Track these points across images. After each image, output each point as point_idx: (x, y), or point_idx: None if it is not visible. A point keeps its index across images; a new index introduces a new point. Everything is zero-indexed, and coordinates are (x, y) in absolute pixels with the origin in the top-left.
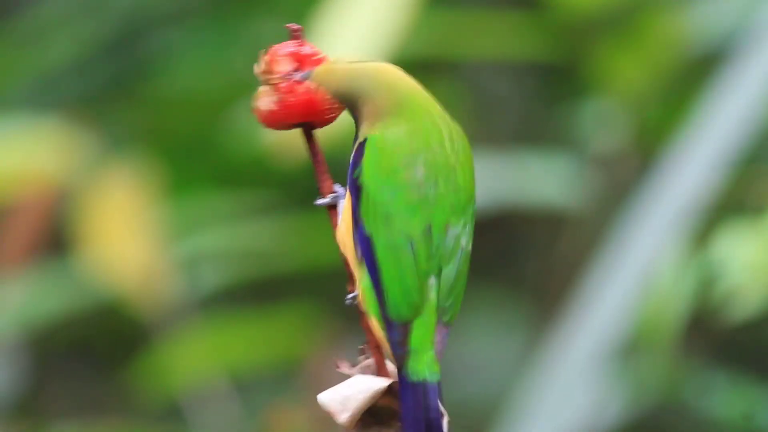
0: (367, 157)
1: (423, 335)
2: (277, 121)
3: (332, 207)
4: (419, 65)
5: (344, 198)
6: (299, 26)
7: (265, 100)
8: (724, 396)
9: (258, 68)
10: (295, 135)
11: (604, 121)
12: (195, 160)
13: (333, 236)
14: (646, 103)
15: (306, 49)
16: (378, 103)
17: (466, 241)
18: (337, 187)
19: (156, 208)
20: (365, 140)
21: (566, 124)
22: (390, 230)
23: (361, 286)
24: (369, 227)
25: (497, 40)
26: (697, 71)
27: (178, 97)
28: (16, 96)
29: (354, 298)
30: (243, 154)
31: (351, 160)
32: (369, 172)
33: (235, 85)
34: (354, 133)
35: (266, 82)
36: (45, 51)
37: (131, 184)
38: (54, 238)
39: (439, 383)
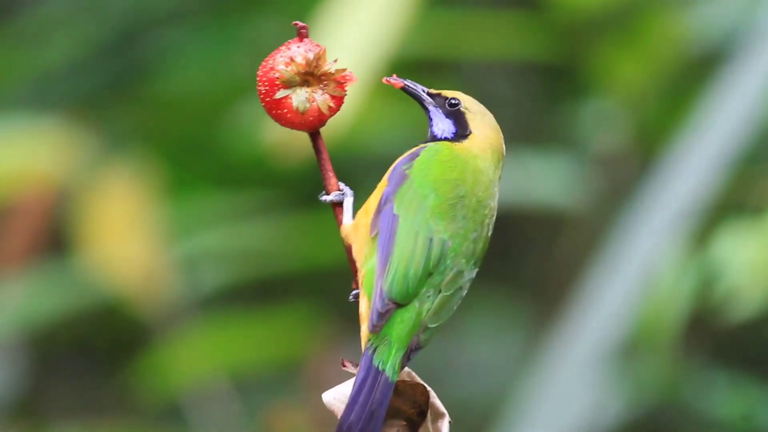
0: (423, 159)
1: (402, 332)
2: (322, 120)
3: (337, 205)
4: (419, 65)
5: (350, 196)
6: (305, 24)
7: (324, 99)
8: (724, 396)
9: (294, 69)
10: (297, 135)
11: (604, 121)
12: (195, 160)
13: (336, 234)
14: (646, 103)
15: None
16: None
17: (464, 293)
18: (342, 186)
19: (156, 208)
20: (426, 146)
21: (566, 124)
22: (418, 218)
23: (367, 267)
24: (400, 209)
25: (497, 40)
26: (697, 71)
27: (178, 97)
28: (16, 96)
29: (357, 295)
30: (243, 154)
31: (405, 156)
32: (420, 169)
33: (235, 84)
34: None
35: (308, 81)
36: (45, 51)
37: (131, 184)
38: (54, 238)
39: (395, 384)
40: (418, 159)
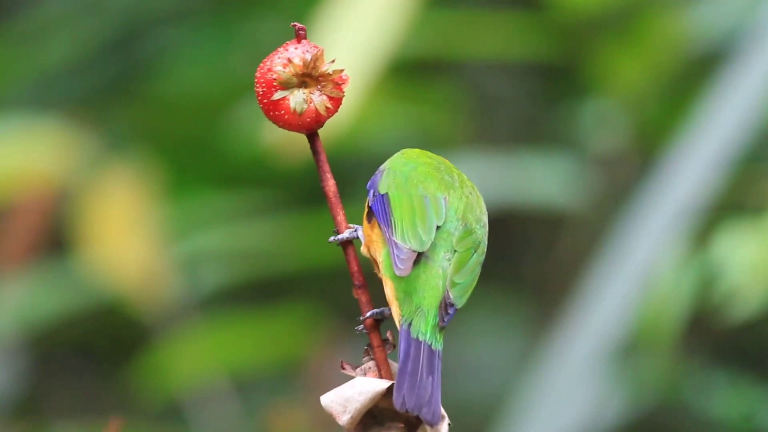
0: (396, 159)
1: (432, 298)
2: (320, 120)
3: (349, 242)
4: (419, 65)
5: (362, 229)
6: (303, 26)
7: (321, 100)
8: (724, 396)
9: (291, 70)
10: (296, 135)
11: (604, 121)
12: (195, 160)
13: (349, 267)
14: (646, 103)
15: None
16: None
17: (480, 252)
18: (353, 225)
19: (156, 208)
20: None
21: (566, 124)
22: (407, 187)
23: (383, 253)
24: (385, 189)
25: (497, 40)
26: (697, 71)
27: (177, 97)
28: (16, 96)
29: (373, 314)
30: (243, 154)
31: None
32: (394, 160)
33: (235, 84)
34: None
35: (306, 82)
36: (45, 51)
37: (131, 184)
38: (54, 238)
39: (440, 351)
40: (388, 160)
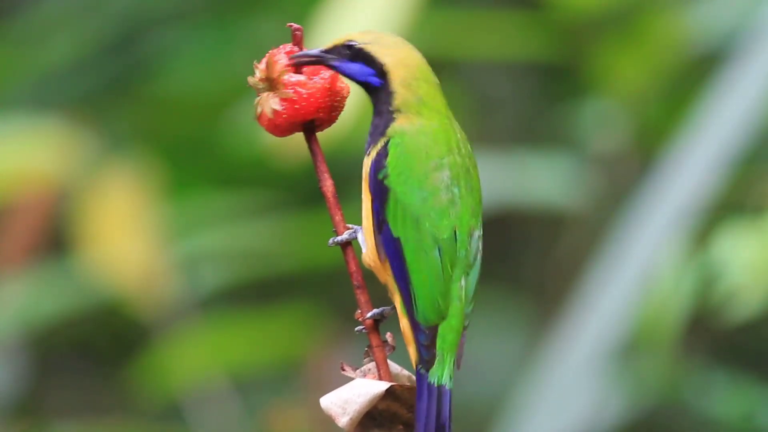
0: (394, 158)
1: (452, 339)
2: (288, 121)
3: (348, 243)
4: None
5: (362, 232)
6: (299, 26)
7: (270, 103)
8: (724, 396)
9: (257, 76)
10: (296, 136)
11: (604, 121)
12: (195, 160)
13: (348, 268)
14: (646, 103)
15: (297, 50)
16: (400, 97)
17: (482, 245)
18: (351, 225)
19: (156, 208)
20: (389, 140)
21: (566, 124)
22: (419, 234)
23: (397, 292)
24: (397, 230)
25: (498, 40)
26: (697, 71)
27: (178, 96)
28: (16, 96)
29: (373, 315)
30: (243, 154)
31: (373, 159)
32: (397, 174)
33: (235, 84)
34: (370, 121)
35: (270, 86)
36: (45, 51)
37: (131, 184)
38: (54, 238)
39: (452, 389)
40: (389, 161)
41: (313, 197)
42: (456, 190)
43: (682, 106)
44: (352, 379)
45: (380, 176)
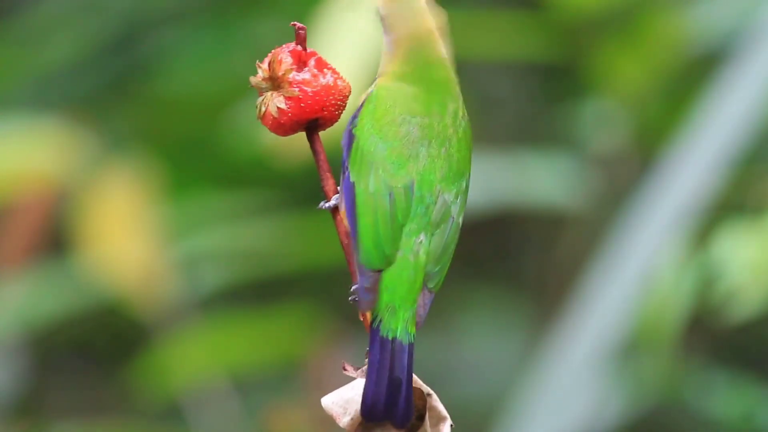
0: (366, 107)
1: (404, 292)
2: (292, 120)
3: (336, 209)
4: None
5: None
6: (303, 26)
7: (275, 102)
8: (724, 396)
9: (260, 76)
10: (297, 135)
11: (604, 120)
12: (195, 160)
13: (339, 236)
14: (646, 103)
15: (300, 49)
16: (396, 64)
17: (456, 213)
18: (340, 189)
19: (156, 207)
20: (370, 94)
21: (566, 124)
22: (373, 178)
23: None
24: (353, 175)
25: (498, 39)
26: (697, 71)
27: (178, 97)
28: (16, 96)
29: (355, 293)
30: (243, 154)
31: (353, 114)
32: (363, 123)
33: (235, 84)
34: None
35: (273, 85)
36: (45, 51)
37: (131, 184)
38: (54, 238)
39: (411, 345)
40: (361, 112)
41: (313, 197)
42: (423, 150)
43: (682, 105)
44: (353, 378)
45: (351, 126)
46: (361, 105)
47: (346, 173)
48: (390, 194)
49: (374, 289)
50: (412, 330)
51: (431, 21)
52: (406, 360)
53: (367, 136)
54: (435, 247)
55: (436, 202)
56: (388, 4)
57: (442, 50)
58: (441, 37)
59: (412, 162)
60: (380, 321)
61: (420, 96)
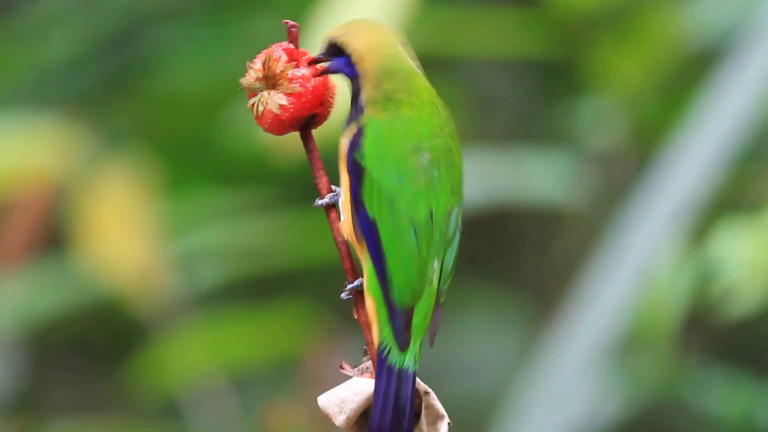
0: (371, 140)
1: (419, 323)
2: (293, 116)
3: (331, 206)
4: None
5: (342, 195)
6: (295, 23)
7: (275, 99)
8: (722, 393)
9: (253, 76)
10: (292, 134)
11: (601, 118)
12: (193, 158)
13: (333, 233)
14: (644, 101)
15: (293, 47)
16: (367, 93)
17: (460, 221)
18: (335, 187)
19: (154, 205)
20: (365, 124)
21: (564, 122)
22: (395, 215)
23: (367, 269)
24: (373, 212)
25: (495, 37)
26: (695, 69)
27: (175, 94)
28: (14, 93)
29: (355, 287)
30: (241, 152)
31: (351, 139)
32: (374, 155)
33: (233, 82)
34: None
35: (269, 84)
36: (43, 48)
37: (129, 182)
38: (52, 235)
39: (415, 372)
40: (367, 142)
41: (310, 194)
42: (436, 172)
43: (679, 103)
44: (350, 377)
45: (356, 155)
46: (360, 133)
47: (361, 207)
48: (414, 230)
49: (408, 327)
50: (419, 357)
51: (388, 31)
52: (411, 386)
53: (380, 170)
54: (446, 266)
55: (448, 223)
56: (341, 29)
57: (410, 59)
58: (403, 46)
59: (428, 190)
60: (389, 351)
61: (418, 117)
